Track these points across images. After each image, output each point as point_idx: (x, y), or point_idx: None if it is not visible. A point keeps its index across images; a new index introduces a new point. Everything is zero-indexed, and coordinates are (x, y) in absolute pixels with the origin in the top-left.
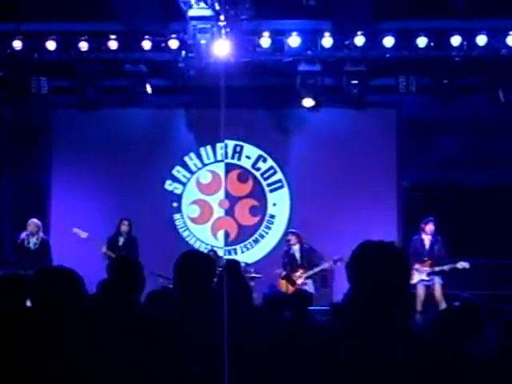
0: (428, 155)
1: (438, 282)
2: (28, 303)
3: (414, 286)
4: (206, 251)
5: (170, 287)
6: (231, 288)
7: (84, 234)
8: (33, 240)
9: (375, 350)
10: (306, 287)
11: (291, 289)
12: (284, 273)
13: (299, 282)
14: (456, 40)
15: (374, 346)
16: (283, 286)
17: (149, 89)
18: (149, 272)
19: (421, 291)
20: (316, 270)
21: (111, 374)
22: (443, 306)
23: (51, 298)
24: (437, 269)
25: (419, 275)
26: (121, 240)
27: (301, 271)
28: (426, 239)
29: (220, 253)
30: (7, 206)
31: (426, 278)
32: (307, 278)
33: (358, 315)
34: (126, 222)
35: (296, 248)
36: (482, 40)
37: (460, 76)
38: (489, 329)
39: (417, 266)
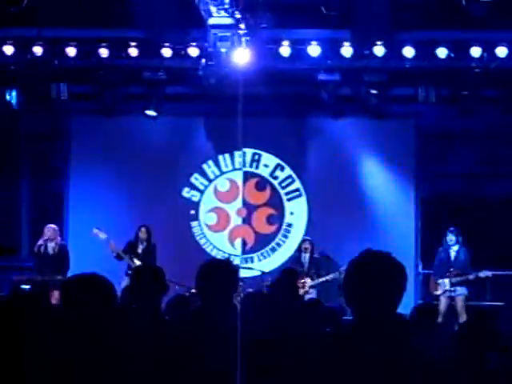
0: (446, 166)
1: (461, 293)
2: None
3: (438, 297)
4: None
5: (186, 295)
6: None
7: (103, 235)
8: (51, 245)
9: (369, 356)
10: (309, 296)
11: None
12: None
13: (301, 291)
14: (476, 51)
15: (369, 353)
16: None
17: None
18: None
19: (443, 303)
20: (321, 280)
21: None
22: (463, 318)
23: (87, 304)
24: (460, 279)
25: (443, 286)
26: (140, 247)
27: (306, 280)
28: (451, 251)
29: (236, 261)
30: (25, 211)
31: (450, 289)
32: (311, 287)
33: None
34: (143, 229)
35: (306, 256)
36: (502, 51)
37: (479, 87)
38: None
39: (441, 279)
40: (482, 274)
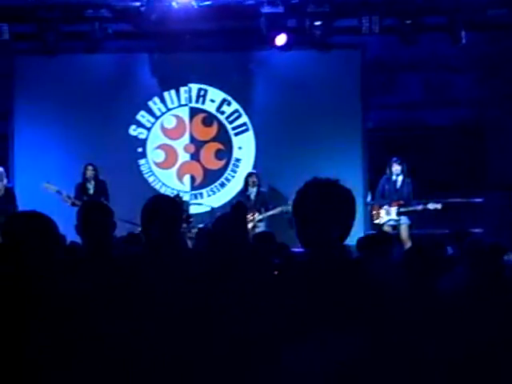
0: (391, 96)
1: (405, 222)
2: None
3: (382, 226)
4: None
5: (136, 233)
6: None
7: (54, 188)
8: None
9: (322, 288)
10: (257, 230)
11: None
12: None
13: (250, 225)
14: None
15: (322, 283)
16: None
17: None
18: (115, 218)
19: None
20: (269, 213)
21: (83, 316)
22: (409, 245)
23: (28, 240)
24: (407, 209)
25: (388, 216)
26: (90, 187)
27: (253, 214)
28: (396, 180)
29: (185, 197)
30: None
31: (396, 218)
32: (259, 221)
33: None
34: (89, 167)
35: (253, 190)
36: None
37: (422, 16)
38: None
39: (386, 206)
40: (431, 206)
